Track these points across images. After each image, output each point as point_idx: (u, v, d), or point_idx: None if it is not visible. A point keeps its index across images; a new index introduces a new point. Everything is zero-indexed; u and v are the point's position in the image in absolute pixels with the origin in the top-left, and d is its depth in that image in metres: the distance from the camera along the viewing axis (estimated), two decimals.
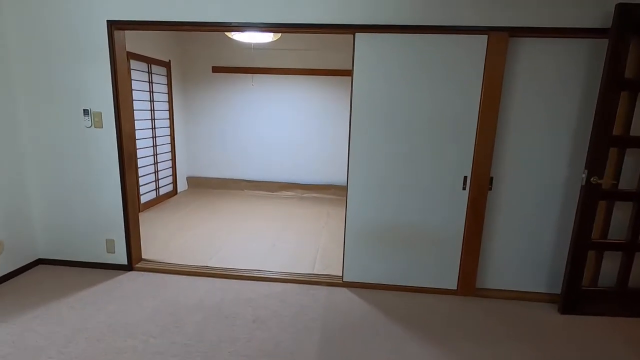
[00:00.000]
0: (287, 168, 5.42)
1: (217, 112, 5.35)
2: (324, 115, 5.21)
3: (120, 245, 2.80)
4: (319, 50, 4.96)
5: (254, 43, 4.17)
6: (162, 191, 4.83)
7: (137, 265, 2.86)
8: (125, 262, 2.82)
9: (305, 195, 5.35)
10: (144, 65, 4.31)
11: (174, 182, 5.13)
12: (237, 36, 3.57)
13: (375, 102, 2.41)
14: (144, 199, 4.40)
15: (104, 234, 2.81)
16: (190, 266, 2.88)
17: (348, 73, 4.98)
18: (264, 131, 5.34)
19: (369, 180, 2.52)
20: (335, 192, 5.32)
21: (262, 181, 5.46)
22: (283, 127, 5.31)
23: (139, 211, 4.24)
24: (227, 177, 5.54)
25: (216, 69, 5.18)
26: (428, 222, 2.55)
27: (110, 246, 2.81)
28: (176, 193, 5.19)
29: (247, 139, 5.39)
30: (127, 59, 3.92)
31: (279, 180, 5.45)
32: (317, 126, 5.25)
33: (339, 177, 5.36)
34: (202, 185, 5.54)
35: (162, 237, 3.51)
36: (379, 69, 2.36)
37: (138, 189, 4.25)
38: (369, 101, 2.42)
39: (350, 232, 2.63)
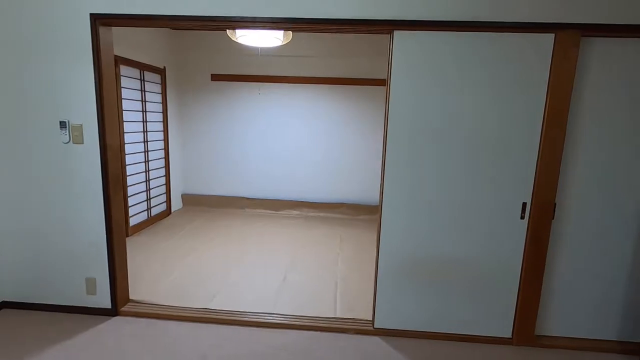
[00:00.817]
0: (291, 184, 4.97)
1: (216, 123, 4.91)
2: (332, 126, 4.80)
3: (103, 284, 2.32)
4: (330, 58, 4.57)
5: (260, 47, 3.75)
6: (154, 211, 4.34)
7: (123, 309, 2.36)
8: (109, 306, 2.33)
9: (312, 214, 4.89)
10: (135, 72, 3.87)
11: (168, 200, 4.64)
12: (242, 38, 3.16)
13: (419, 113, 2.00)
14: (133, 221, 3.90)
15: (84, 272, 2.32)
16: (189, 309, 2.39)
17: (361, 82, 4.60)
18: (266, 145, 4.90)
19: (408, 205, 2.09)
20: (345, 211, 4.88)
21: (265, 199, 4.99)
22: (288, 140, 4.88)
23: (127, 235, 3.75)
24: (225, 194, 5.06)
25: (216, 77, 4.75)
26: (478, 256, 2.12)
27: (90, 286, 2.32)
28: (170, 213, 4.70)
29: (248, 153, 4.94)
30: (116, 63, 3.48)
31: (283, 198, 4.99)
32: (325, 139, 4.84)
33: (348, 195, 4.92)
34: (199, 204, 5.05)
35: (154, 270, 3.02)
36: (423, 72, 1.96)
37: (127, 213, 3.76)
38: (410, 111, 2.00)
39: (384, 267, 2.18)
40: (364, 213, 4.86)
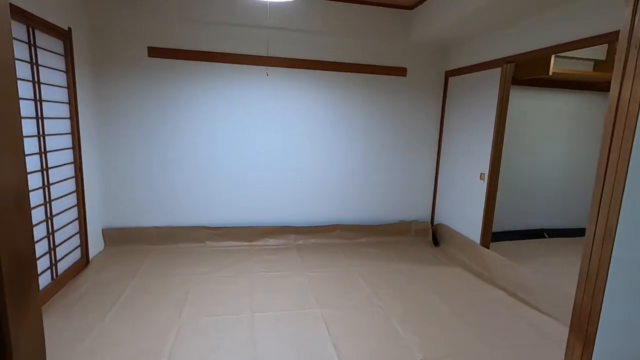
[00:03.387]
0: (270, 205, 3.70)
1: (157, 121, 3.33)
2: (322, 127, 3.67)
3: None
4: (330, 37, 3.41)
5: (269, 2, 2.36)
6: (62, 266, 2.63)
7: None
8: None
9: (301, 242, 3.69)
10: (19, 29, 2.17)
11: (84, 243, 2.93)
12: None
13: None
14: None
15: None
16: None
17: (366, 69, 3.58)
18: (232, 152, 3.52)
19: None
20: (342, 234, 3.81)
21: (234, 227, 3.61)
22: (262, 144, 3.58)
23: None
24: (174, 224, 3.52)
25: (155, 52, 3.18)
26: None
27: None
28: (87, 262, 2.99)
29: (206, 164, 3.49)
30: None
31: (260, 224, 3.68)
32: (312, 143, 3.68)
33: (344, 214, 3.87)
34: (133, 241, 3.39)
35: None
36: None
37: None
38: None
39: None
40: (362, 235, 3.86)
